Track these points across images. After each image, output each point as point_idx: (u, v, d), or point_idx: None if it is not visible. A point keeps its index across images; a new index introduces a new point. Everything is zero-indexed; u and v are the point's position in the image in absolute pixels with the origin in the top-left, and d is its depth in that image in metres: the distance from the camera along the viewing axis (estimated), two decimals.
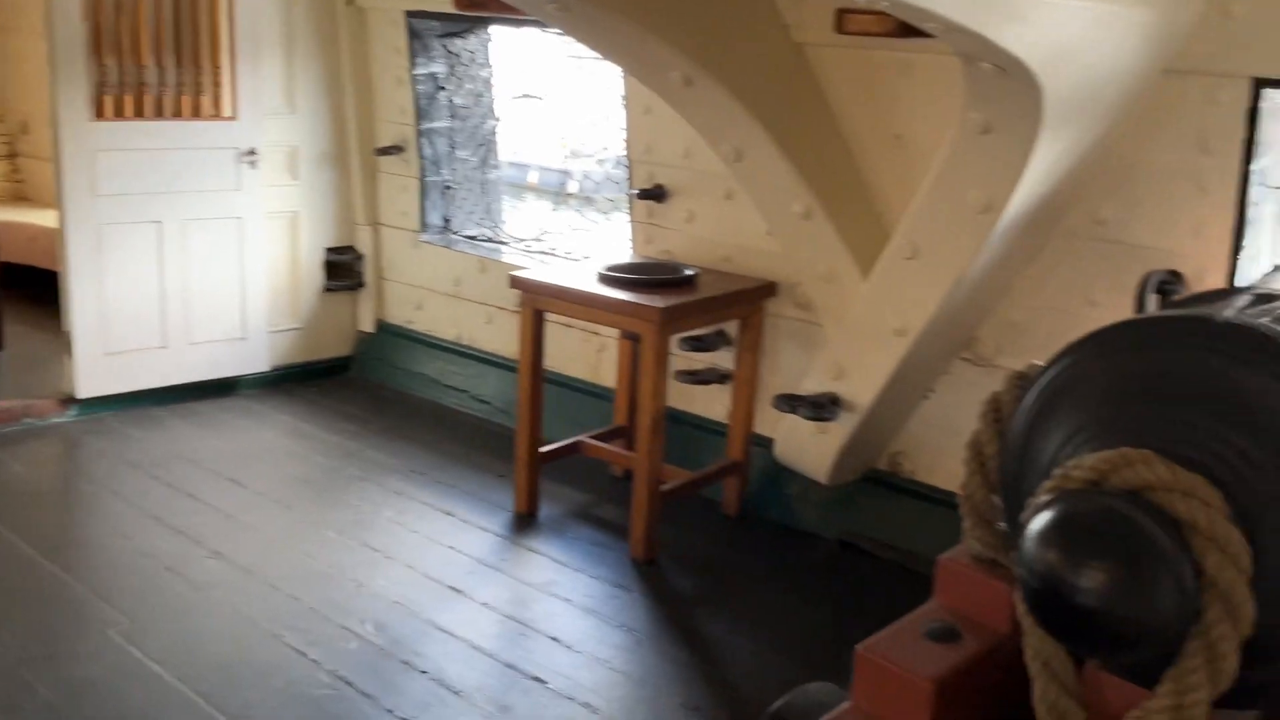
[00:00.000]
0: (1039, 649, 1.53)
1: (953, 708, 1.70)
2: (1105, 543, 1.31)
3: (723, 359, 4.26)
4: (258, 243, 5.28)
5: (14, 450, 4.57)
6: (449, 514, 4.15)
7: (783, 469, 4.09)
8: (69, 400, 4.90)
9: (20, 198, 7.24)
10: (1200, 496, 1.31)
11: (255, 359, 5.37)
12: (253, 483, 4.36)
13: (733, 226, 4.21)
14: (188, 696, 2.94)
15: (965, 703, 1.73)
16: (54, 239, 5.50)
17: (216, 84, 5.04)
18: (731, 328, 4.18)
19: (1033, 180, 2.99)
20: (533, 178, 5.95)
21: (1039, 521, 1.38)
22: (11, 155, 7.36)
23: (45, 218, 6.35)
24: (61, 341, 4.98)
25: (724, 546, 4.03)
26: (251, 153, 5.14)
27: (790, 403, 3.76)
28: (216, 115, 5.08)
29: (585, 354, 4.81)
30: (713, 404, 4.37)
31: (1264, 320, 1.41)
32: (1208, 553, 1.30)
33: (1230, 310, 1.46)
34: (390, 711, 2.92)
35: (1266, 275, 2.15)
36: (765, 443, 4.12)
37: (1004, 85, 2.72)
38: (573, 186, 5.23)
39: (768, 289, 4.07)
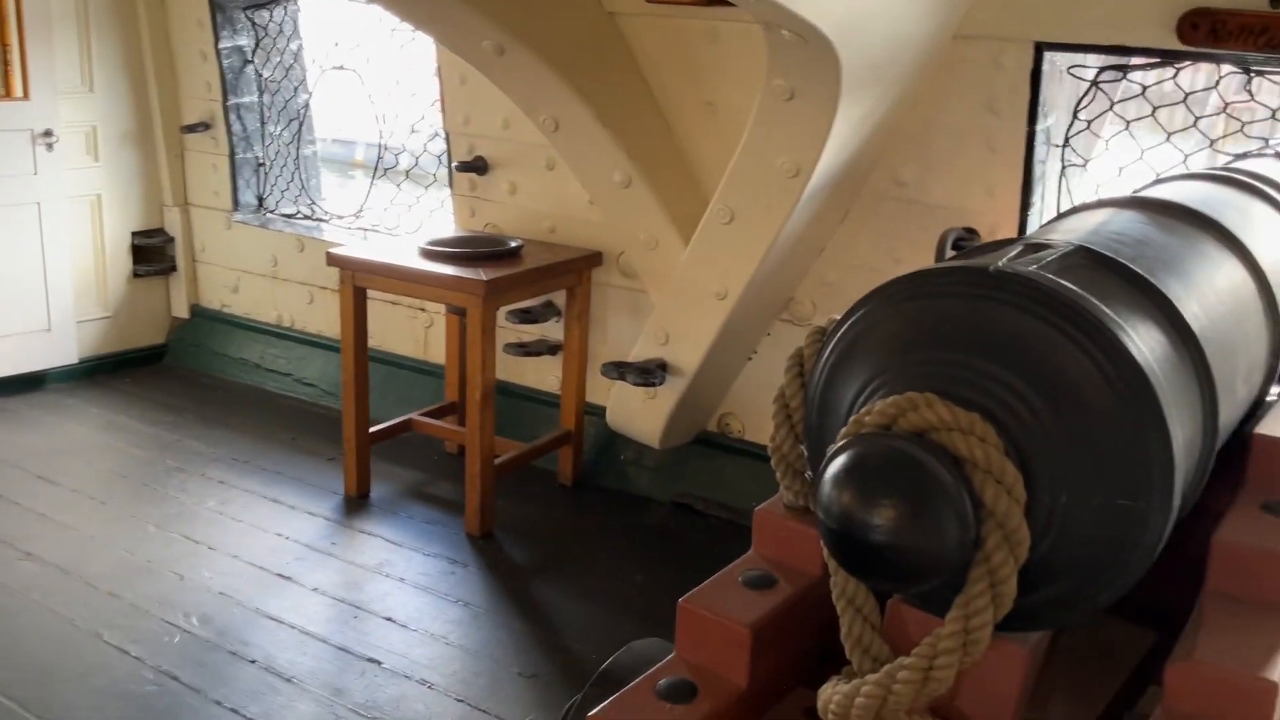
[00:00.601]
0: (843, 588, 1.61)
1: (770, 651, 1.76)
2: (892, 481, 1.38)
3: (552, 330, 4.28)
4: (59, 228, 5.00)
5: None
6: (275, 501, 4.04)
7: (616, 436, 4.14)
8: None
9: None
10: (977, 434, 1.40)
11: (62, 351, 5.10)
12: (65, 480, 4.15)
13: (555, 197, 4.21)
14: (3, 704, 2.79)
15: (782, 645, 1.80)
16: None
17: (6, 63, 4.73)
18: (559, 298, 4.19)
19: (837, 144, 3.10)
20: (359, 154, 5.81)
21: (834, 466, 1.45)
22: None
23: None
24: None
25: (560, 516, 4.06)
26: (47, 134, 4.85)
27: (619, 370, 3.81)
28: (7, 95, 4.77)
29: (413, 331, 4.75)
30: (544, 375, 4.39)
31: (1031, 268, 1.50)
32: (986, 485, 1.39)
33: (1002, 260, 1.55)
34: (219, 703, 2.85)
35: (1042, 227, 2.29)
36: (598, 411, 4.16)
37: (804, 52, 2.80)
38: (393, 161, 5.12)
39: (593, 258, 4.10)
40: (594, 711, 1.64)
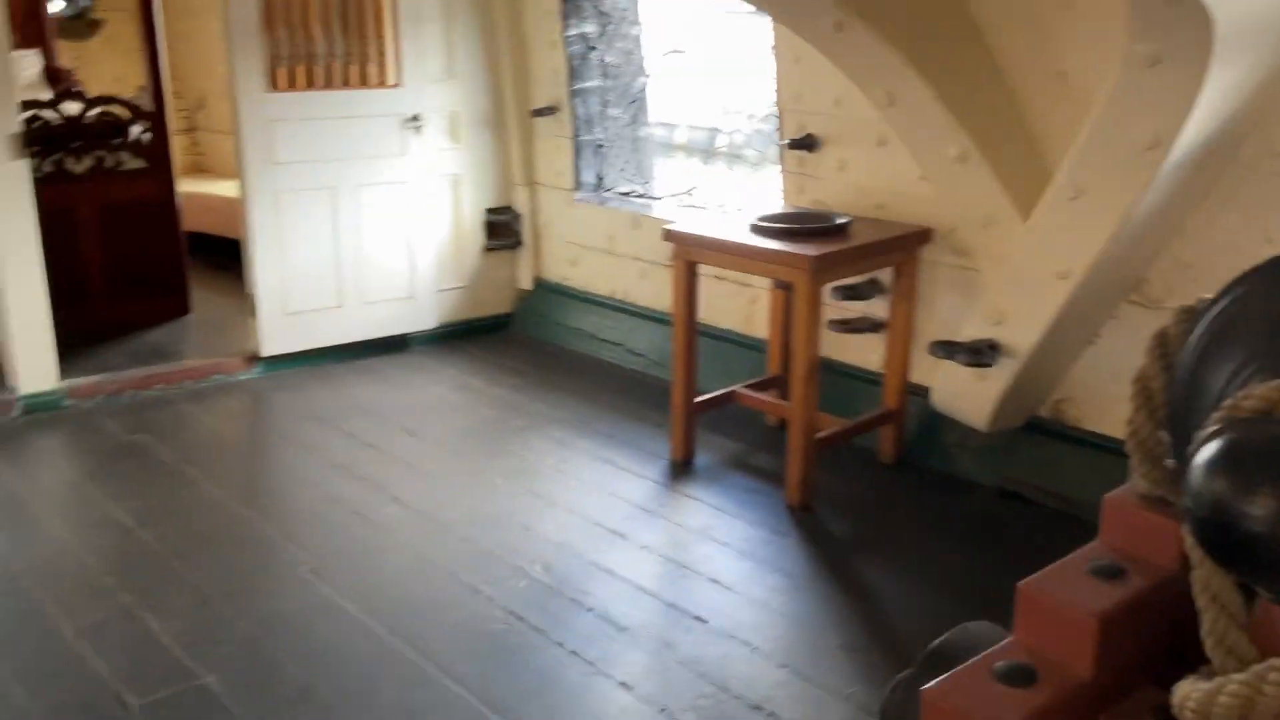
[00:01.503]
0: (1208, 581, 1.52)
1: (1117, 643, 1.70)
2: (1272, 469, 1.30)
3: (876, 308, 4.25)
4: (423, 206, 5.51)
5: (206, 405, 4.92)
6: (608, 462, 4.28)
7: (940, 417, 4.07)
8: (254, 358, 5.24)
9: (199, 170, 7.71)
10: None
11: (423, 317, 5.62)
12: (425, 433, 4.59)
13: (886, 173, 4.17)
14: (371, 628, 3.15)
15: (1130, 639, 1.73)
16: (230, 208, 5.87)
17: (381, 53, 5.27)
18: (885, 276, 4.16)
19: (1204, 113, 2.88)
20: (681, 136, 5.98)
21: (1206, 451, 1.38)
22: (190, 129, 7.83)
23: (222, 188, 6.76)
24: (245, 303, 5.32)
25: (880, 494, 4.04)
26: (415, 119, 5.35)
27: (947, 349, 3.73)
28: (382, 83, 5.30)
29: (738, 306, 4.86)
30: (867, 353, 4.37)
31: None
32: None
33: None
34: (560, 645, 3.07)
35: None
36: (921, 391, 4.10)
37: (1172, 14, 2.62)
38: (722, 142, 5.25)
39: (922, 235, 4.03)
40: (927, 686, 1.65)
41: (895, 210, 4.16)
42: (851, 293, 4.22)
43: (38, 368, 4.74)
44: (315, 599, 3.31)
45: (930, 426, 4.17)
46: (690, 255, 4.08)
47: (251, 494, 4.08)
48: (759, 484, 4.10)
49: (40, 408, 4.72)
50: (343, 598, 3.31)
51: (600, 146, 5.60)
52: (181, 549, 3.60)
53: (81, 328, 5.29)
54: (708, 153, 5.77)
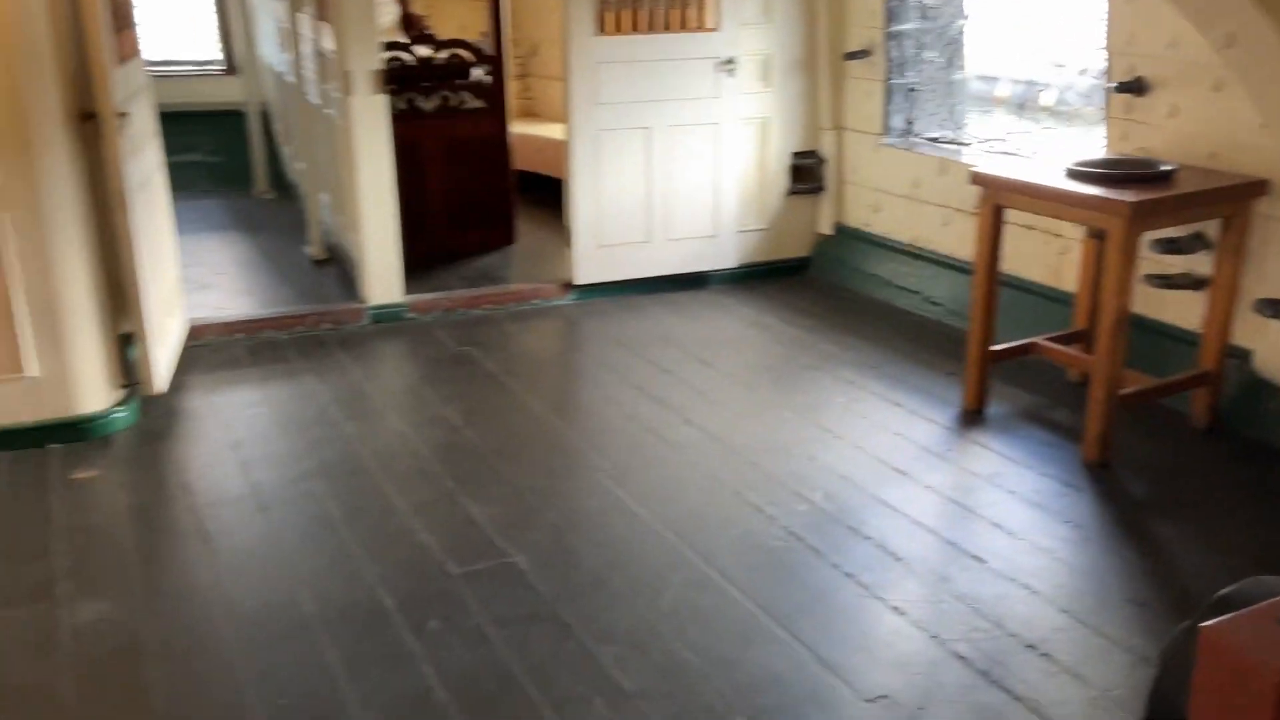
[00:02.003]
0: None
1: None
2: None
3: (1198, 264, 4.01)
4: (731, 148, 5.68)
5: (525, 325, 5.36)
6: (897, 405, 4.31)
7: (1262, 382, 3.81)
8: (568, 286, 5.63)
9: (530, 113, 8.24)
10: None
11: (724, 256, 5.82)
12: (719, 364, 4.79)
13: (1220, 120, 3.92)
14: (661, 533, 3.38)
15: None
16: (554, 149, 6.28)
17: None
18: (1211, 229, 3.92)
19: None
20: (1002, 91, 5.80)
21: None
22: (523, 75, 8.35)
23: (548, 130, 7.23)
24: (563, 236, 5.70)
25: (1186, 457, 3.85)
26: (730, 62, 5.51)
27: (1275, 308, 3.49)
28: (700, 27, 5.49)
29: (1046, 257, 4.72)
30: (1184, 311, 4.14)
31: None
32: None
33: None
34: (836, 567, 3.18)
35: None
36: (1242, 354, 3.85)
37: None
38: (1039, 93, 5.05)
39: (1257, 187, 3.77)
40: (1207, 623, 1.64)
41: (1228, 160, 3.90)
42: (1173, 246, 4.01)
43: (386, 284, 5.32)
44: (612, 501, 3.59)
45: (1250, 392, 3.91)
46: (998, 199, 4.01)
47: (561, 405, 4.43)
48: (1054, 437, 4.01)
49: (386, 318, 5.31)
50: (636, 503, 3.57)
51: (912, 90, 5.55)
52: (499, 447, 3.99)
53: (423, 252, 5.86)
54: (1024, 105, 5.57)
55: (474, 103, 6.30)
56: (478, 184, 6.32)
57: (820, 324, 5.26)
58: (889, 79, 5.51)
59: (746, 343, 5.13)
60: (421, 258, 5.82)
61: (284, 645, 2.85)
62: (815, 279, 5.96)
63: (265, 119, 8.17)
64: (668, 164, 5.58)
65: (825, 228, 6.00)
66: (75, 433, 4.02)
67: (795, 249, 6.03)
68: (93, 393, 4.07)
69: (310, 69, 6.00)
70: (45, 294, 3.88)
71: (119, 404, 4.17)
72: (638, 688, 2.66)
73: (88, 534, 3.41)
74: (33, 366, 3.93)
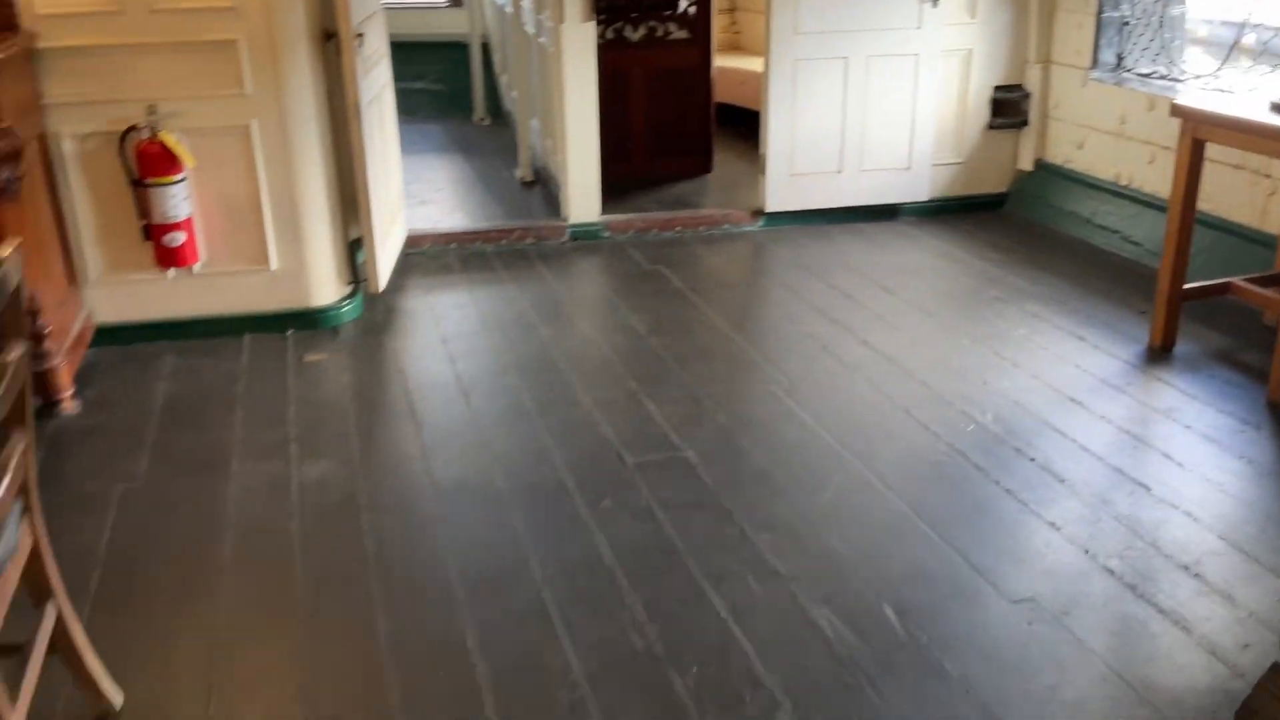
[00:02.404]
0: None
1: None
2: None
3: None
4: (930, 80, 5.66)
5: (713, 248, 5.56)
6: (1080, 339, 4.30)
7: None
8: (759, 213, 5.79)
9: (735, 47, 8.35)
10: None
11: (917, 188, 5.83)
12: (902, 292, 4.87)
13: None
14: (825, 440, 3.55)
15: None
16: (754, 82, 6.39)
17: None
18: None
19: None
20: (1247, 38, 5.52)
21: None
22: (731, 9, 8.46)
23: (753, 64, 7.34)
24: (757, 166, 5.85)
25: None
26: None
27: None
28: None
29: (1253, 197, 4.55)
30: None
31: None
32: None
33: None
34: (996, 483, 3.28)
35: None
36: None
37: None
38: (1258, 37, 4.79)
39: None
40: None
41: None
42: None
43: (585, 204, 5.62)
44: (782, 409, 3.77)
45: None
46: (1198, 133, 3.92)
47: (741, 322, 4.62)
48: (1239, 378, 3.93)
49: (584, 236, 5.62)
50: (805, 412, 3.74)
51: (1125, 24, 5.38)
52: (680, 355, 4.23)
53: (622, 176, 6.13)
54: (1240, 48, 5.30)
55: (679, 34, 6.48)
56: (678, 113, 6.52)
57: (1011, 259, 5.24)
58: (1101, 11, 5.37)
59: (932, 273, 5.17)
60: (620, 182, 6.09)
61: (477, 509, 3.19)
62: (1011, 215, 5.90)
63: (485, 50, 8.60)
64: (864, 95, 5.62)
65: (1025, 163, 5.92)
66: (308, 321, 4.50)
67: (992, 184, 5.97)
68: (325, 288, 4.55)
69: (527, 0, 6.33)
70: (288, 196, 4.35)
71: (346, 299, 4.63)
72: (790, 571, 2.86)
73: (316, 407, 3.86)
74: (275, 261, 4.42)
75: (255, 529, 3.10)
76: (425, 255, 5.43)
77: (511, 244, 5.55)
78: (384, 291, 4.72)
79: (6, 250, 1.87)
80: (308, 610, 2.73)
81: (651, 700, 2.40)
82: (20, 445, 2.04)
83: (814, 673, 2.48)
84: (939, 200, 5.88)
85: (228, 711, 2.39)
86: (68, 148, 4.09)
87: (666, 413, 3.75)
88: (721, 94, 7.02)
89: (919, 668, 2.50)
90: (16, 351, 1.94)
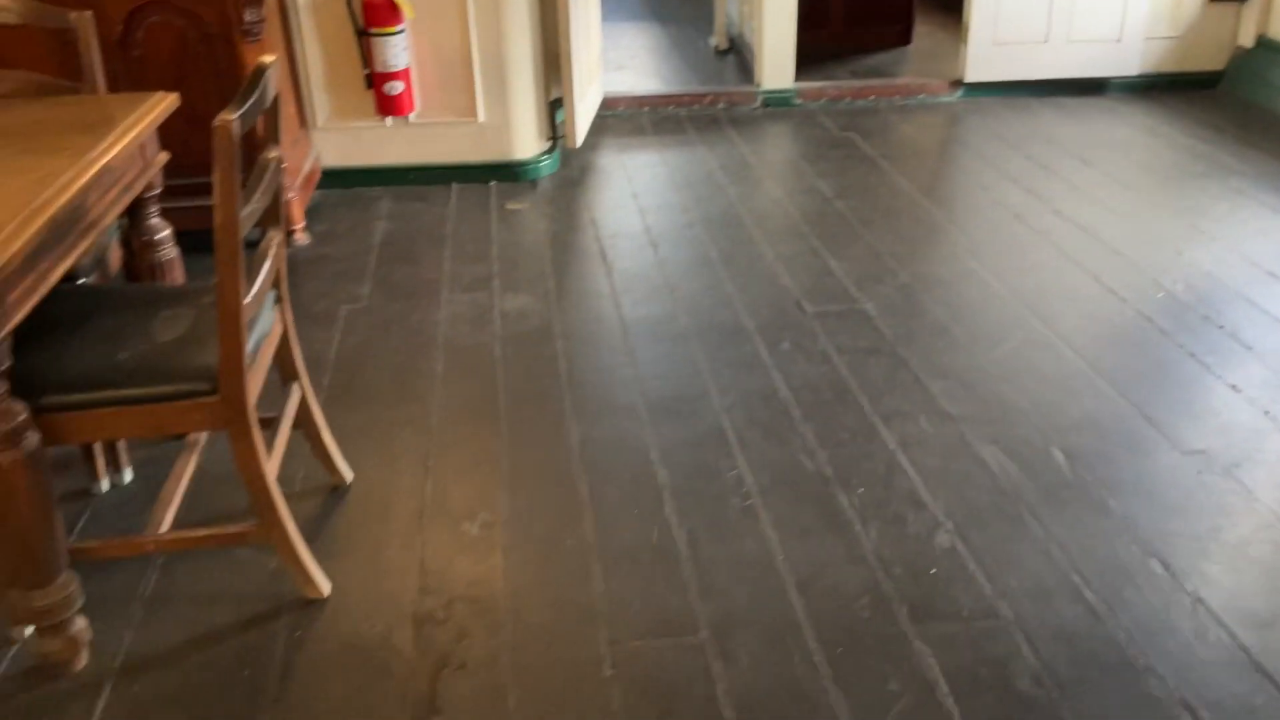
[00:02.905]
0: None
1: None
2: None
3: None
4: None
5: (908, 117, 5.52)
6: None
7: None
8: (957, 83, 5.69)
9: None
10: None
11: (1126, 62, 5.61)
12: (1101, 165, 4.76)
13: None
14: (1007, 299, 3.59)
15: None
16: None
17: None
18: None
19: None
20: None
21: None
22: None
23: None
24: (958, 35, 5.73)
25: None
26: None
27: None
28: None
29: None
30: None
31: None
32: None
33: None
34: (1181, 346, 3.26)
35: None
36: None
37: None
38: None
39: None
40: None
41: None
42: None
43: (779, 71, 5.65)
44: (965, 270, 3.82)
45: None
46: None
47: (931, 188, 4.63)
48: None
49: (776, 103, 5.67)
50: (988, 273, 3.77)
51: None
52: (865, 217, 4.30)
53: (816, 44, 6.12)
54: None
55: None
56: None
57: (1222, 138, 5.03)
58: None
59: (1135, 147, 5.01)
60: (815, 50, 6.09)
61: (662, 344, 3.40)
62: (1226, 94, 5.61)
63: None
64: None
65: (1246, 39, 5.59)
66: (510, 173, 4.77)
67: (1208, 61, 5.68)
68: (526, 142, 4.79)
69: None
70: (496, 53, 4.57)
71: (544, 154, 4.87)
72: (960, 413, 2.96)
73: (515, 249, 4.13)
74: (482, 114, 4.67)
75: (462, 348, 3.40)
76: (619, 117, 5.60)
77: (703, 109, 5.66)
78: (580, 149, 4.93)
79: (269, 58, 2.13)
80: (508, 417, 3.02)
81: (817, 512, 2.58)
82: (276, 239, 2.34)
83: (976, 501, 2.61)
84: (1149, 76, 5.65)
85: (442, 490, 2.70)
86: None
87: (847, 269, 3.85)
88: None
89: (1081, 503, 2.59)
90: (275, 152, 2.22)
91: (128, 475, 2.73)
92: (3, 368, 1.91)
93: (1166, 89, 5.64)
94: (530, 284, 3.83)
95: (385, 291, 3.78)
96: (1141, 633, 2.19)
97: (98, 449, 2.65)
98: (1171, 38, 5.61)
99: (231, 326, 2.01)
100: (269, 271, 2.24)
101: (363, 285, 3.83)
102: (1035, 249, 3.99)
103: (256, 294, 2.10)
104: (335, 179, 4.67)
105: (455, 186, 4.72)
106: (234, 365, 2.05)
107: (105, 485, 2.68)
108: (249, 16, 3.76)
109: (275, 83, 2.18)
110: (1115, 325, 3.41)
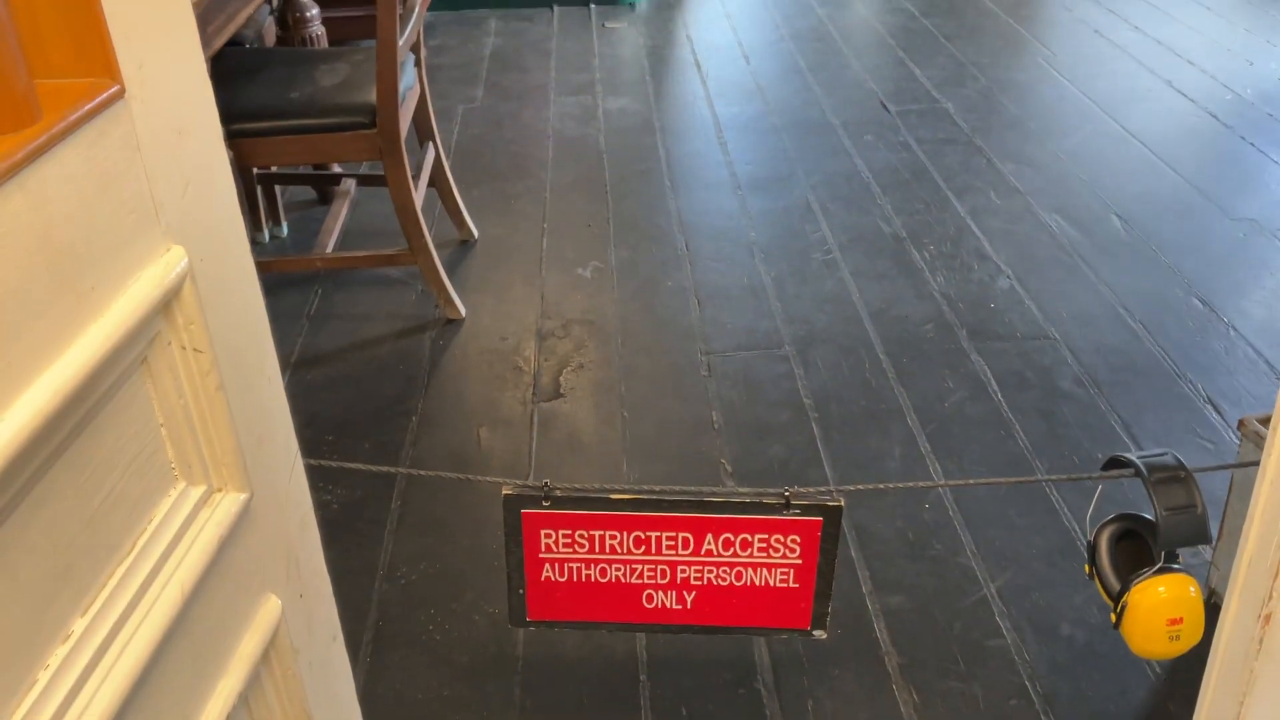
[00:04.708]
0: None
1: None
2: None
3: None
4: None
5: None
6: None
7: None
8: None
9: None
10: None
11: None
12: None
13: None
14: (1080, 98, 3.79)
15: None
16: None
17: None
18: None
19: None
20: None
21: None
22: None
23: None
24: None
25: None
26: None
27: None
28: None
29: None
30: None
31: None
32: None
33: None
34: (1242, 138, 3.46)
35: None
36: None
37: None
38: None
39: None
40: None
41: None
42: None
43: None
44: (1043, 75, 4.02)
45: None
46: None
47: (1015, 8, 4.78)
48: None
49: None
50: (1065, 77, 3.97)
51: None
52: (950, 33, 4.49)
53: None
54: None
55: None
56: None
57: None
58: None
59: None
60: None
61: (752, 136, 3.69)
62: None
63: None
64: None
65: None
66: None
67: None
68: None
69: None
70: None
71: None
72: (1028, 188, 3.22)
73: (615, 60, 4.42)
74: None
75: (570, 138, 3.73)
76: None
77: None
78: None
79: None
80: (614, 191, 3.35)
81: (892, 262, 2.89)
82: (418, 3, 2.67)
83: (1036, 255, 2.89)
84: None
85: (557, 245, 3.06)
86: None
87: (930, 74, 4.07)
88: None
89: (1133, 256, 2.86)
90: None
91: (285, 229, 3.13)
92: None
93: None
94: (630, 89, 4.12)
95: (498, 94, 4.11)
96: (1177, 350, 2.48)
97: (261, 202, 3.05)
98: None
99: (389, 62, 2.36)
100: (413, 26, 2.58)
101: (476, 89, 4.16)
102: (1112, 59, 4.16)
103: (406, 38, 2.44)
104: (444, 2, 4.97)
105: (557, 9, 4.99)
106: (389, 100, 2.41)
107: (266, 236, 3.09)
108: None
109: None
110: (1182, 121, 3.61)
